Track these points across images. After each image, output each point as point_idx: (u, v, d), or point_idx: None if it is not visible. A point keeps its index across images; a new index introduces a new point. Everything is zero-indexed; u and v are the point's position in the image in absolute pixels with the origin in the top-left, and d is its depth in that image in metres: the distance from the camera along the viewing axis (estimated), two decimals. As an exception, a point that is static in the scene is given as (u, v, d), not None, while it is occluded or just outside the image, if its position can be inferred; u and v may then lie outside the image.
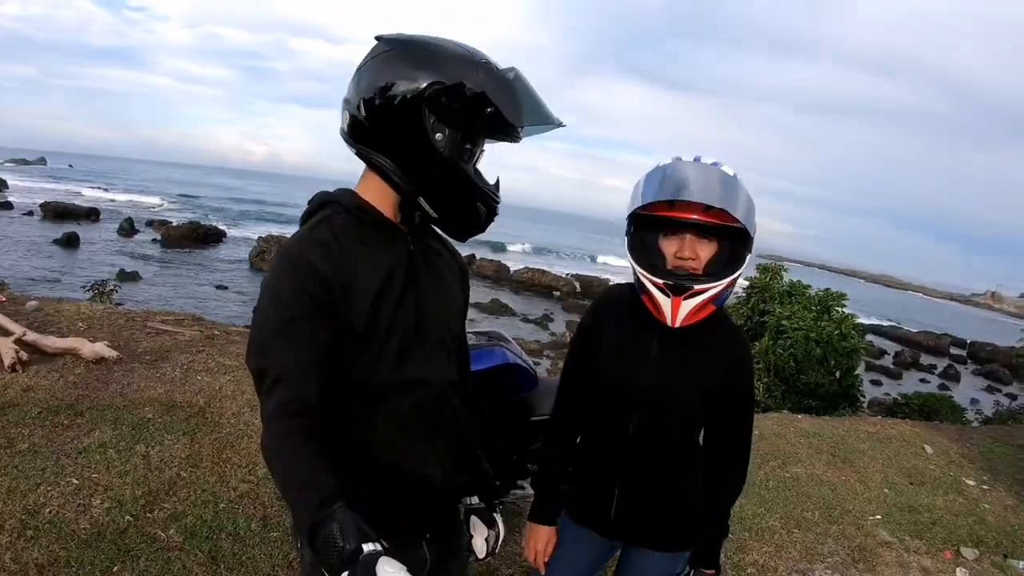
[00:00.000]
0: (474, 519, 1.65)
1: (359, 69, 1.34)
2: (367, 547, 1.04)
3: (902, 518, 4.88)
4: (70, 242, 32.04)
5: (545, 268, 42.25)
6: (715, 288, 1.60)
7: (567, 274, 43.02)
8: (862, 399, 11.37)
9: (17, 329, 4.86)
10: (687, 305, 1.60)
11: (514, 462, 3.31)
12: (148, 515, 3.26)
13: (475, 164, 1.37)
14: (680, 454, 1.81)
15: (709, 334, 1.72)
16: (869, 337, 39.33)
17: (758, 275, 12.32)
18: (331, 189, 1.45)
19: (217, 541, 3.17)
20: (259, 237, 38.36)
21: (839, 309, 11.31)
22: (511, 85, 1.30)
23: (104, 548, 2.95)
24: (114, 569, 2.85)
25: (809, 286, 12.01)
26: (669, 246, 1.64)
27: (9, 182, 52.30)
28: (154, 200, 59.67)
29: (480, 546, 1.63)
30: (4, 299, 5.85)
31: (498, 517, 1.67)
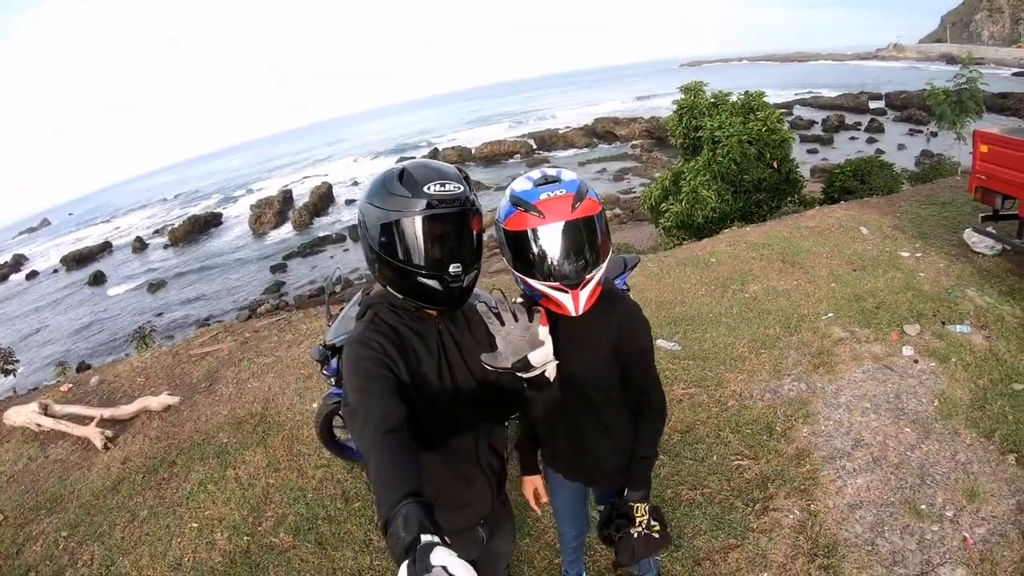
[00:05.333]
0: None
1: None
2: (425, 538, 1.07)
3: (850, 309, 5.10)
4: (97, 279, 31.98)
5: (500, 138, 42.12)
6: (599, 272, 1.79)
7: (520, 136, 42.94)
8: (802, 179, 11.68)
9: (94, 412, 5.11)
10: (583, 294, 1.78)
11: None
12: (259, 528, 3.59)
13: (421, 247, 1.54)
14: (602, 418, 2.02)
15: (598, 306, 1.87)
16: (796, 111, 39.19)
17: (683, 96, 12.24)
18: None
19: (318, 529, 3.49)
20: (251, 205, 38.41)
21: (762, 108, 11.39)
22: (407, 175, 1.54)
23: (239, 571, 3.29)
24: (253, 584, 3.20)
25: (730, 94, 12.01)
26: None
27: (27, 252, 51.13)
28: (154, 210, 58.75)
29: None
30: (71, 387, 6.02)
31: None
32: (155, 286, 28.31)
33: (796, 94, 48.97)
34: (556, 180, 1.76)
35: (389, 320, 1.62)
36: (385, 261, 1.56)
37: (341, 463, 4.00)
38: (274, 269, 27.61)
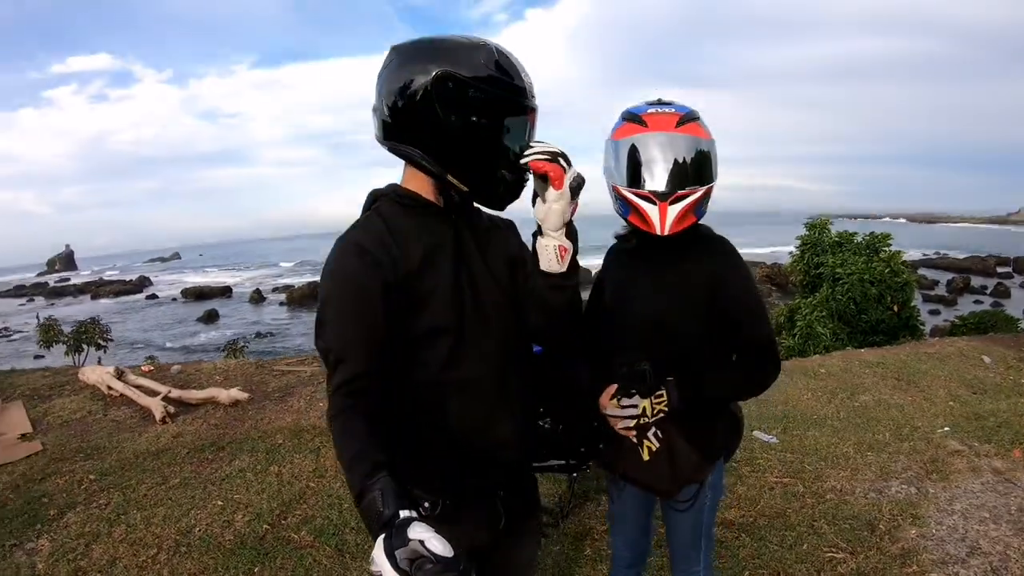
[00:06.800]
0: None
1: (379, 77, 1.32)
2: (403, 513, 1.04)
3: (969, 426, 4.51)
4: (210, 318, 33.85)
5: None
6: (695, 194, 1.56)
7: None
8: (922, 327, 10.79)
9: (162, 388, 5.10)
10: (672, 210, 1.55)
11: (593, 429, 3.15)
12: (283, 522, 3.30)
13: (506, 137, 1.30)
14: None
15: (691, 251, 1.65)
16: (921, 271, 37.70)
17: (807, 232, 11.84)
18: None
19: (342, 536, 3.17)
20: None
21: (886, 248, 10.84)
22: (513, 62, 1.29)
23: (246, 554, 3.00)
24: (255, 570, 2.89)
25: (855, 233, 11.53)
26: None
27: (152, 277, 55.57)
28: (276, 270, 62.59)
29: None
30: (152, 368, 6.13)
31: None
32: (261, 337, 29.61)
33: (924, 254, 47.31)
34: (670, 104, 1.62)
35: (392, 215, 1.33)
36: (463, 143, 1.26)
37: None
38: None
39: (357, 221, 1.34)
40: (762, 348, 1.63)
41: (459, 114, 1.24)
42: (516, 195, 1.34)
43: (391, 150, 1.32)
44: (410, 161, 1.32)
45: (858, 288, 10.20)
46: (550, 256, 1.30)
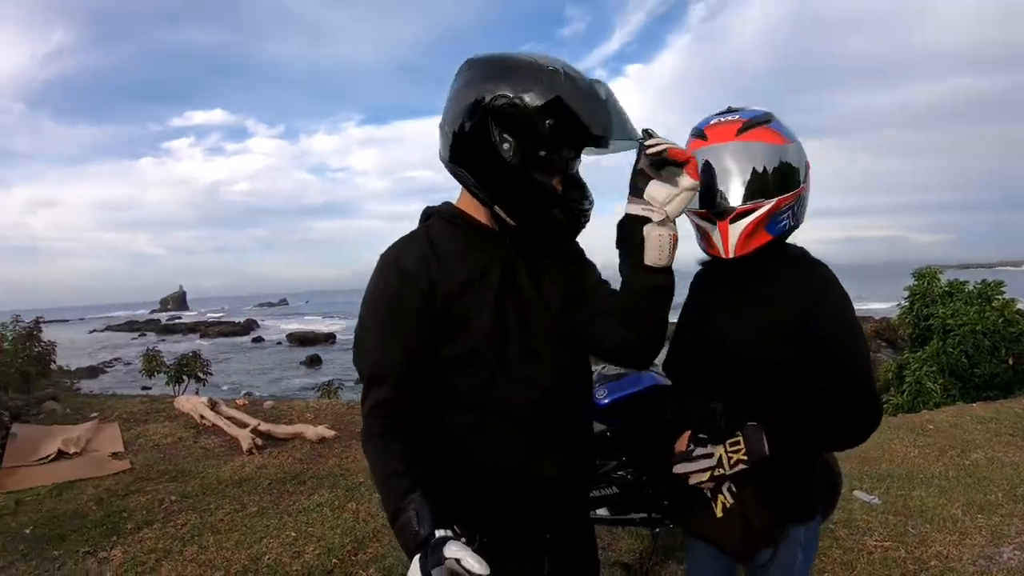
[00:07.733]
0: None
1: (449, 91, 1.25)
2: (439, 532, 1.03)
3: None
4: (313, 362, 34.89)
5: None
6: (761, 210, 1.37)
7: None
8: (1041, 379, 9.74)
9: (252, 421, 5.29)
10: (735, 229, 1.38)
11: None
12: (353, 558, 3.27)
13: (564, 172, 1.23)
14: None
15: (776, 272, 1.45)
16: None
17: (916, 282, 11.06)
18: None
19: (412, 576, 3.10)
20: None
21: (999, 297, 9.95)
22: (584, 91, 1.16)
23: (311, 585, 2.98)
24: (319, 602, 2.86)
25: (966, 282, 10.66)
26: None
27: (259, 321, 58.40)
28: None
29: None
30: (246, 402, 6.38)
31: None
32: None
33: (1040, 301, 42.77)
34: (738, 110, 1.48)
35: (440, 234, 1.26)
36: (515, 176, 1.17)
37: None
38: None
39: (403, 236, 1.30)
40: (859, 387, 1.37)
41: (517, 143, 1.16)
42: (569, 235, 1.29)
43: (450, 171, 1.26)
44: (463, 184, 1.26)
45: (970, 340, 9.43)
46: (664, 246, 1.17)
